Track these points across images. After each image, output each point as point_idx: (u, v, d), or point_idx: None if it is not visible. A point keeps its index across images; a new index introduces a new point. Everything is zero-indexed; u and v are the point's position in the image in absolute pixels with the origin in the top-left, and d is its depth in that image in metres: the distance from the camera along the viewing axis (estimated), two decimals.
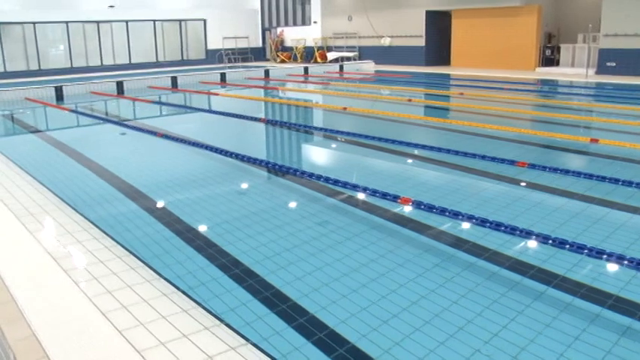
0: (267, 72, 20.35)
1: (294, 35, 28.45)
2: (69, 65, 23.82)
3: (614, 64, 18.32)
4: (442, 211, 4.72)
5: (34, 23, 22.81)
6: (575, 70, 20.00)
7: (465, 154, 6.91)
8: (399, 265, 3.82)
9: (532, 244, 4.16)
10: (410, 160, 7.33)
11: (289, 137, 9.34)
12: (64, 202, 5.20)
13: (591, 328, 3.02)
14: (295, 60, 27.85)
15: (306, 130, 9.84)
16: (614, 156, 7.07)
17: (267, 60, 29.52)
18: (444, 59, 23.59)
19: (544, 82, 17.35)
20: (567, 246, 3.95)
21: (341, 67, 22.37)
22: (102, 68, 24.23)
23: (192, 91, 15.98)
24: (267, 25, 29.28)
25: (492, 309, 3.21)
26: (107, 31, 24.86)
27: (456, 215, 4.63)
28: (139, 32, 25.78)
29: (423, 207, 4.87)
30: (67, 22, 23.62)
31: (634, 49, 17.89)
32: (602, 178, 5.76)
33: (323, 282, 3.56)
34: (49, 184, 5.88)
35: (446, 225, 4.59)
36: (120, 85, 16.14)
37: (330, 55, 25.74)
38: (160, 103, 14.37)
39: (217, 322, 2.96)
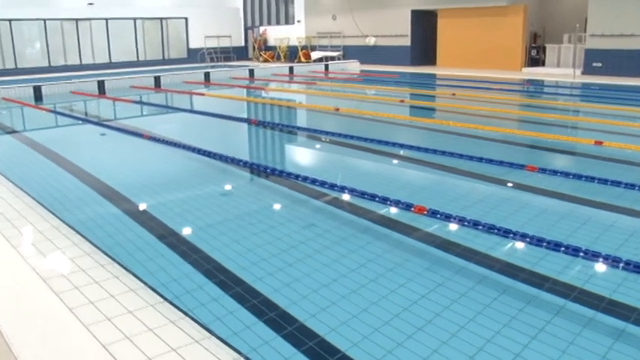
0: (251, 71, 20.21)
1: (277, 34, 28.32)
2: (47, 64, 23.43)
3: (600, 65, 18.46)
4: (433, 214, 4.66)
5: (9, 20, 22.39)
6: (561, 70, 20.13)
7: (452, 154, 6.87)
8: (388, 269, 3.74)
9: (522, 246, 4.11)
10: (398, 161, 7.27)
11: (275, 138, 9.24)
12: (41, 206, 5.04)
13: (585, 333, 2.97)
14: (279, 59, 27.73)
15: (292, 130, 9.75)
16: (602, 156, 7.08)
17: (250, 59, 29.35)
18: (430, 59, 23.62)
19: (532, 82, 17.45)
20: (562, 248, 3.90)
21: (326, 67, 22.29)
22: (81, 67, 23.87)
23: (176, 91, 15.80)
24: (249, 23, 29.07)
25: (485, 314, 3.15)
26: (86, 30, 24.50)
27: (447, 217, 4.57)
28: (119, 31, 25.44)
29: (412, 209, 4.80)
30: (44, 20, 23.24)
31: (620, 50, 18.04)
32: (591, 179, 5.75)
33: (312, 288, 3.48)
34: (27, 188, 5.71)
35: (434, 227, 4.52)
36: (101, 85, 15.89)
37: (314, 55, 25.66)
38: (143, 103, 14.18)
39: (207, 334, 2.86)
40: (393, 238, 4.36)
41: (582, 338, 2.91)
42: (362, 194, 5.25)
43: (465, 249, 4.07)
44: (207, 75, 18.63)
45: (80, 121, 11.15)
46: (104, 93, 15.62)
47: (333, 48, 25.98)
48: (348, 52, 25.27)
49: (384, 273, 3.69)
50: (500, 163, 6.43)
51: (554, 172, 6.06)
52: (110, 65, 24.71)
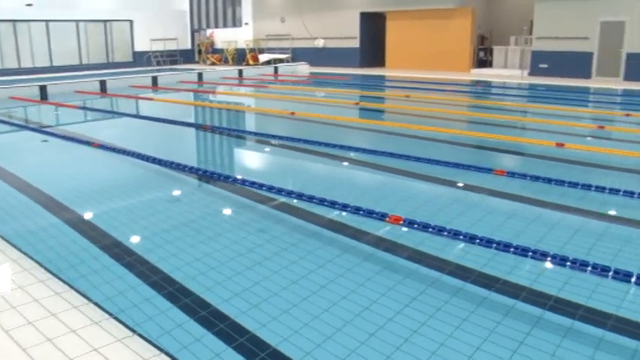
0: (200, 75, 19.88)
1: (224, 37, 28.02)
2: None
3: (546, 66, 19.05)
4: (382, 216, 4.66)
5: None
6: (509, 71, 20.69)
7: (404, 157, 6.92)
8: (339, 275, 3.71)
9: (472, 248, 4.14)
10: (349, 164, 7.26)
11: (225, 143, 9.10)
12: None
13: (535, 332, 3.01)
14: (226, 62, 27.43)
15: (242, 135, 9.63)
16: (548, 156, 7.28)
17: (197, 62, 28.93)
18: (379, 61, 23.85)
19: (481, 83, 17.84)
20: (511, 249, 3.96)
21: (275, 70, 22.19)
22: (20, 71, 22.93)
23: (122, 96, 15.37)
24: (196, 26, 28.58)
25: (437, 317, 3.16)
26: (25, 31, 23.58)
27: (396, 220, 4.57)
28: (60, 33, 24.58)
29: (362, 212, 4.79)
30: None
31: (565, 52, 18.65)
32: (536, 178, 5.88)
33: (262, 297, 3.40)
34: None
35: (384, 230, 4.52)
36: (43, 90, 15.30)
37: (263, 58, 25.51)
38: (88, 108, 13.72)
39: (157, 351, 2.75)
40: (343, 243, 4.33)
41: (532, 337, 2.95)
42: (310, 198, 5.20)
43: (415, 252, 4.07)
44: (154, 79, 18.22)
45: (19, 128, 10.68)
46: (46, 98, 15.05)
47: (282, 50, 25.90)
48: (297, 55, 25.25)
49: (335, 279, 3.66)
50: (448, 164, 6.52)
51: (510, 174, 6.18)
52: (52, 69, 23.84)
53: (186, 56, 28.95)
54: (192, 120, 11.48)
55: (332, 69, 22.66)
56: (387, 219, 4.57)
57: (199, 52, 29.01)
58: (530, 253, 3.89)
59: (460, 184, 5.94)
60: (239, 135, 9.61)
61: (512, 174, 6.13)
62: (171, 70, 23.66)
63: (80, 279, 3.64)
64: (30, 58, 23.79)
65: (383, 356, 2.79)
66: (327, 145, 7.75)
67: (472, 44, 21.65)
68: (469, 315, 3.17)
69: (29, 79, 18.46)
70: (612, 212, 5.11)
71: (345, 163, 7.27)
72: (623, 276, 3.52)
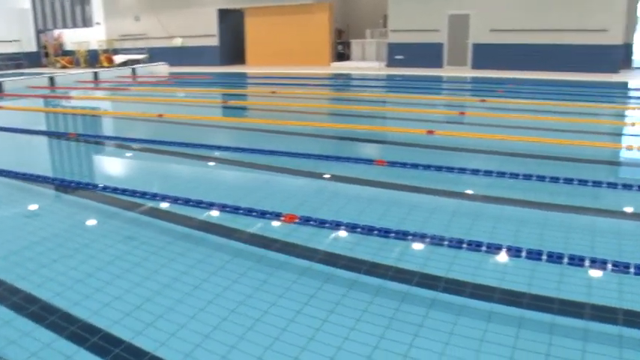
0: (52, 79, 18.56)
1: (75, 38, 26.40)
2: None
3: (402, 57, 20.15)
4: (249, 211, 4.72)
5: None
6: (367, 63, 21.60)
7: (271, 152, 7.04)
8: (211, 273, 3.72)
9: (341, 234, 4.34)
10: (216, 164, 7.22)
11: (87, 150, 8.61)
12: None
13: (404, 307, 3.22)
14: (78, 65, 25.88)
15: (104, 140, 9.19)
16: (408, 143, 7.76)
17: (45, 66, 26.97)
18: (240, 58, 23.80)
19: (342, 76, 18.46)
20: (375, 232, 4.20)
21: (133, 71, 21.33)
22: None
23: None
24: (41, 26, 26.62)
25: (311, 304, 3.28)
26: None
27: (262, 214, 4.66)
28: None
29: (228, 209, 4.81)
30: None
31: (418, 43, 19.86)
32: (393, 164, 6.26)
33: (135, 305, 3.32)
34: None
35: (256, 226, 4.58)
36: None
37: (118, 59, 24.43)
38: None
39: None
40: (213, 242, 4.34)
41: (401, 312, 3.15)
42: (175, 200, 5.14)
43: (285, 243, 4.19)
44: None
45: None
46: None
47: (138, 51, 24.95)
48: (155, 55, 24.46)
49: (208, 277, 3.66)
50: (316, 156, 6.75)
51: (368, 161, 6.50)
52: None
53: (31, 59, 26.87)
54: (47, 127, 10.74)
55: (192, 68, 22.26)
56: (283, 218, 4.62)
57: (46, 54, 27.06)
58: (392, 234, 4.16)
59: (327, 175, 6.16)
60: (100, 141, 9.15)
61: (370, 161, 6.47)
62: (16, 74, 21.83)
63: None
64: None
65: (262, 348, 2.86)
66: (197, 146, 7.65)
67: (331, 39, 22.34)
68: (342, 298, 3.32)
69: None
70: (469, 191, 5.60)
71: (213, 163, 7.23)
72: (475, 246, 3.89)
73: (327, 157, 6.75)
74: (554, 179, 5.51)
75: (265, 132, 8.97)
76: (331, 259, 3.89)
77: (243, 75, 20.09)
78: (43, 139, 9.40)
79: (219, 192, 5.72)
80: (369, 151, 7.84)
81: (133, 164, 7.75)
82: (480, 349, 2.78)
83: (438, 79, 17.22)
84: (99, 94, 16.49)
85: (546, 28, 18.01)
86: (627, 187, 5.46)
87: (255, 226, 4.58)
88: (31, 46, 27.18)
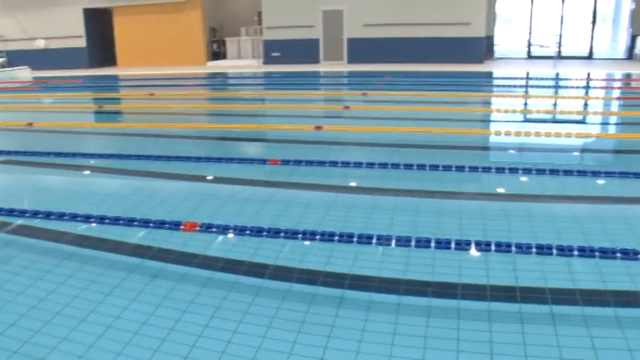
0: None
1: None
2: None
3: (278, 54, 20.16)
4: (116, 220, 4.48)
5: None
6: (243, 61, 21.41)
7: (145, 157, 6.70)
8: (36, 279, 3.58)
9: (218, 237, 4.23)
10: (91, 172, 6.70)
11: None
12: None
13: (257, 300, 3.21)
14: None
15: None
16: (284, 139, 7.75)
17: None
18: (110, 60, 22.70)
19: (220, 75, 18.14)
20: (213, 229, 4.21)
21: None
22: None
23: None
24: None
25: (139, 300, 3.27)
26: None
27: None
28: None
29: (79, 218, 4.57)
30: None
31: (294, 40, 19.97)
32: (263, 161, 6.27)
33: None
34: None
35: (82, 227, 4.34)
36: None
37: None
38: None
39: None
40: (42, 247, 4.16)
41: (255, 306, 3.14)
42: (47, 215, 4.74)
43: (117, 242, 4.13)
44: None
45: None
46: None
47: None
48: (15, 58, 22.63)
49: (33, 283, 3.53)
50: (198, 159, 6.57)
51: (251, 161, 6.41)
52: None
53: None
54: None
55: (58, 72, 20.89)
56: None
57: None
58: (247, 231, 4.16)
59: (209, 177, 5.99)
60: None
61: (261, 161, 6.38)
62: None
63: None
64: None
65: (84, 347, 2.79)
66: (73, 155, 7.11)
67: (205, 37, 21.93)
68: (195, 297, 3.27)
69: None
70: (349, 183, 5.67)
71: (88, 172, 6.72)
72: (347, 237, 3.95)
73: (212, 159, 6.59)
74: (421, 166, 5.75)
75: (145, 136, 8.56)
76: (208, 262, 3.77)
77: (115, 77, 19.15)
78: None
79: (96, 203, 5.35)
80: (254, 150, 7.74)
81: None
82: (362, 339, 2.80)
83: (317, 75, 17.44)
84: None
85: (416, 22, 18.87)
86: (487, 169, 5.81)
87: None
88: None
